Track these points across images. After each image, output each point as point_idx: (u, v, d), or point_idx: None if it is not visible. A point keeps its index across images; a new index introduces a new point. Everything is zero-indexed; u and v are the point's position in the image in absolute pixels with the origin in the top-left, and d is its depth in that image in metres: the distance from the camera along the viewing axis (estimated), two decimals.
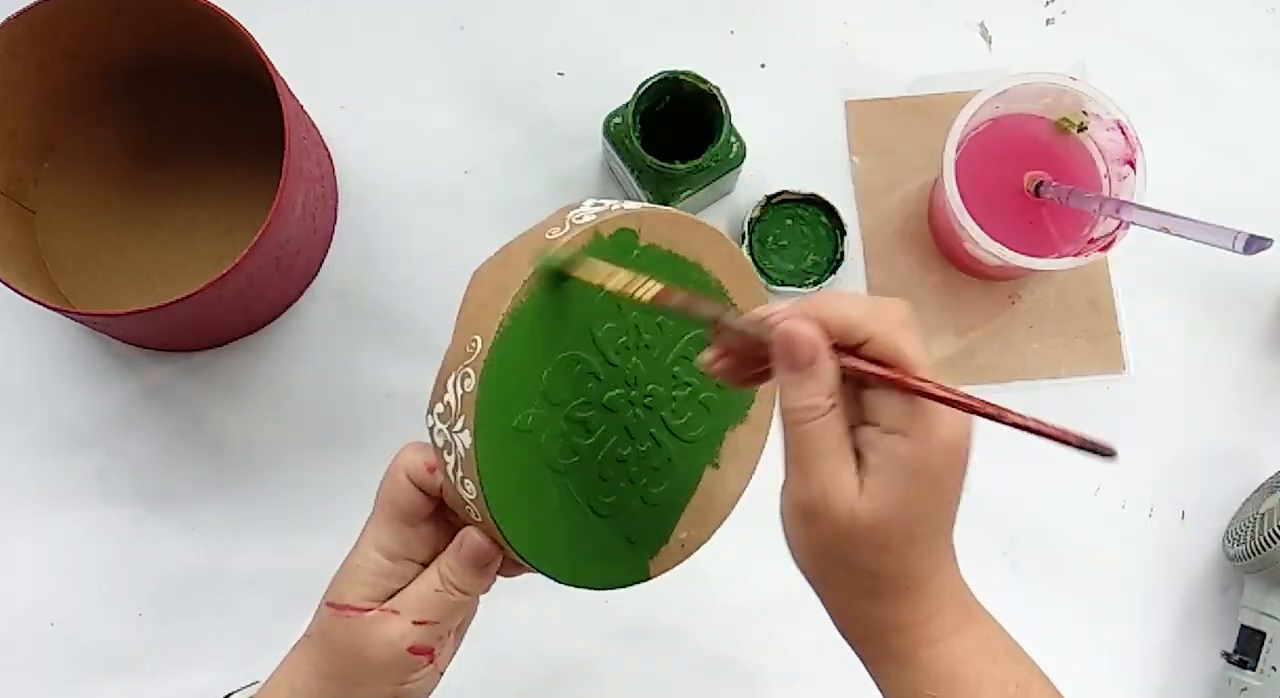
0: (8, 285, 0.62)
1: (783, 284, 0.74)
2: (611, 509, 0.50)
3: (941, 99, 0.76)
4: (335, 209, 0.76)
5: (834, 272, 0.74)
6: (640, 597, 0.73)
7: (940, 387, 0.41)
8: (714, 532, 0.54)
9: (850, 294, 0.43)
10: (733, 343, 0.44)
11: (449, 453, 0.46)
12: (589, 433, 0.48)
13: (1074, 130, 0.70)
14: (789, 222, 0.75)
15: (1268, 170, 0.77)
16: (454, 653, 0.52)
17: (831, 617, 0.46)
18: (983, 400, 0.40)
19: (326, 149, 0.75)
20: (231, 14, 0.64)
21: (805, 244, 0.75)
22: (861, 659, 0.47)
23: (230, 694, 0.58)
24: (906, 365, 0.41)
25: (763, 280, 0.74)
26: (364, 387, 0.75)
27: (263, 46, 0.64)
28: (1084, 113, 0.69)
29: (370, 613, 0.48)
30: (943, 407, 0.41)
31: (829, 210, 0.75)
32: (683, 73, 0.68)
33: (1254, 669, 0.69)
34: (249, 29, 0.64)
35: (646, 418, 0.50)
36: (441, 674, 0.50)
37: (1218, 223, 0.60)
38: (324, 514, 0.73)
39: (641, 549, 0.51)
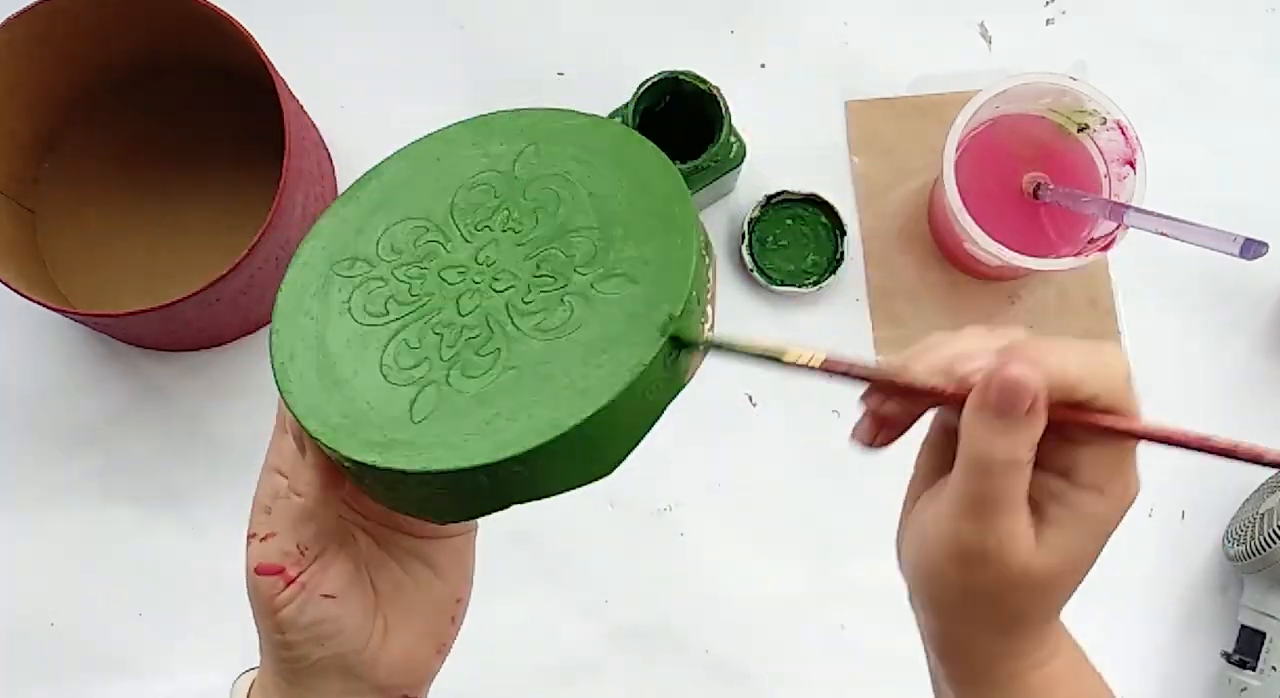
0: (8, 285, 0.62)
1: (783, 284, 0.74)
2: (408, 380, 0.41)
3: (941, 99, 0.76)
4: None
5: (834, 272, 0.74)
6: (641, 597, 0.74)
7: (1183, 435, 0.38)
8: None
9: (1063, 342, 0.39)
10: (887, 407, 0.41)
11: None
12: (413, 297, 0.42)
13: (1074, 130, 0.70)
14: (789, 222, 0.75)
15: (1268, 171, 0.77)
16: (343, 578, 0.43)
17: (933, 642, 0.44)
18: (1204, 437, 0.38)
19: (326, 149, 0.75)
20: (231, 14, 0.64)
21: (805, 244, 0.75)
22: (949, 682, 0.45)
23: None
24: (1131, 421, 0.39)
25: (763, 280, 0.74)
26: None
27: (263, 47, 0.64)
28: (1084, 113, 0.69)
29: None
30: (1135, 464, 0.40)
31: (829, 210, 0.75)
32: (683, 73, 0.68)
33: (1254, 669, 0.69)
34: (249, 29, 0.64)
35: (485, 299, 0.42)
36: (333, 598, 0.43)
37: (1217, 226, 0.60)
38: None
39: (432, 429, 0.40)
